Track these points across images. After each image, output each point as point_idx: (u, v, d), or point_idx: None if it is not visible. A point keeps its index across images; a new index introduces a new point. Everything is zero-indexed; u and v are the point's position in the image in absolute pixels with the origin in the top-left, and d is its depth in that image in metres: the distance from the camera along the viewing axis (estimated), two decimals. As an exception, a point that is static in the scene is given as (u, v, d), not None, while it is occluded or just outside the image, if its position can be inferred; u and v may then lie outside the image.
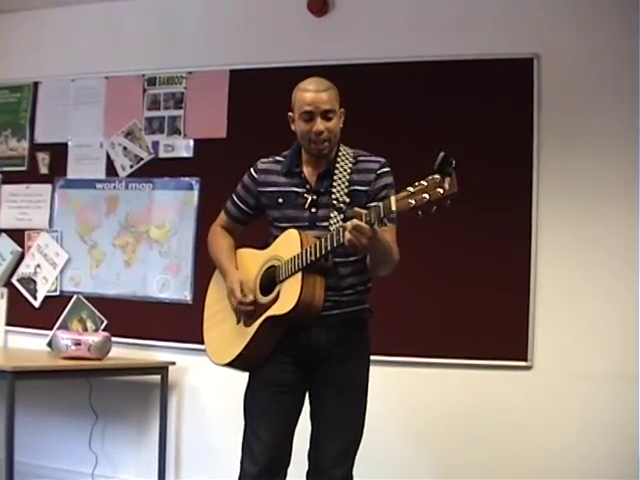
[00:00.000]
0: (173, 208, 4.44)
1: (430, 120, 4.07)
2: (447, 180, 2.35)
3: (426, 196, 2.36)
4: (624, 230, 3.79)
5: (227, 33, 4.45)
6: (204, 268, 3.23)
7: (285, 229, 2.87)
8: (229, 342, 2.94)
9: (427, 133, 4.01)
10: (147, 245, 4.49)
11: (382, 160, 2.89)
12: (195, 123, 4.45)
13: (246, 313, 2.85)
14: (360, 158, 2.89)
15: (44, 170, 4.76)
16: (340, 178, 2.85)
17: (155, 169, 4.51)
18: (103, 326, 4.50)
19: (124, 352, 4.42)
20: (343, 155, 2.89)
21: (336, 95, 2.87)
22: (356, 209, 2.58)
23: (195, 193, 4.39)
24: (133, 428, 4.48)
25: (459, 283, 3.97)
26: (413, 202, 2.39)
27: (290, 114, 2.90)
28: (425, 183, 2.39)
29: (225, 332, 2.97)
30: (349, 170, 2.86)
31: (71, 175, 4.70)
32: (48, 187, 4.74)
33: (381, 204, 2.50)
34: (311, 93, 2.83)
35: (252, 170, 3.02)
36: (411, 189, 2.40)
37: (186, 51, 4.52)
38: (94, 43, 4.74)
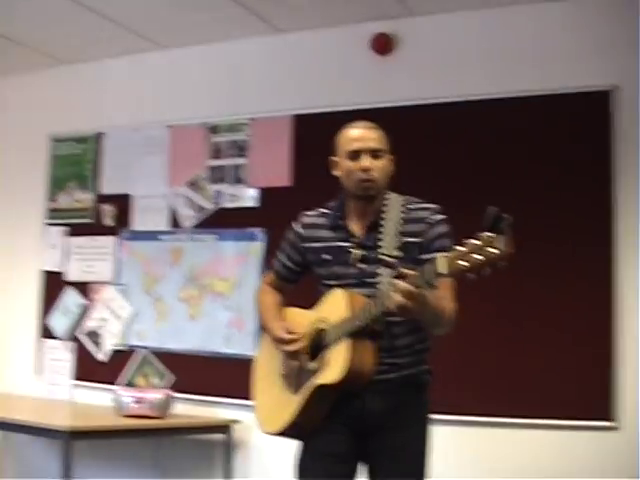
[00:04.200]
0: (237, 260, 4.31)
1: (502, 159, 3.83)
2: (502, 239, 2.12)
3: (480, 257, 2.12)
4: None
5: (289, 77, 4.33)
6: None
7: (332, 287, 2.69)
8: (276, 410, 2.77)
9: (500, 172, 3.80)
10: (211, 298, 4.36)
11: (435, 207, 2.66)
12: (259, 171, 4.32)
13: (293, 355, 2.71)
14: (410, 206, 2.67)
15: (109, 222, 4.70)
16: (389, 230, 2.65)
17: (219, 220, 4.40)
18: (167, 382, 4.39)
19: (188, 409, 4.29)
20: (392, 203, 2.68)
21: (385, 137, 2.69)
22: (404, 270, 2.36)
23: (259, 244, 4.25)
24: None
25: (533, 332, 3.68)
26: (466, 264, 2.14)
27: (333, 158, 2.74)
28: (478, 242, 2.13)
29: (273, 400, 2.81)
30: (399, 220, 2.65)
31: (136, 227, 4.63)
32: (113, 239, 4.68)
33: (429, 265, 2.27)
34: (359, 130, 2.67)
35: (297, 225, 2.86)
36: (463, 248, 2.15)
37: (248, 97, 4.42)
38: (155, 92, 4.70)
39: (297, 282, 2.94)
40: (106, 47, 4.65)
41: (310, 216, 2.84)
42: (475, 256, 2.12)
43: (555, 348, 3.65)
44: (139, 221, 4.63)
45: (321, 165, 4.10)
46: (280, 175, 4.23)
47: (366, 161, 2.63)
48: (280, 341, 2.74)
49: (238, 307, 4.29)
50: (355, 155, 2.65)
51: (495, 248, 2.10)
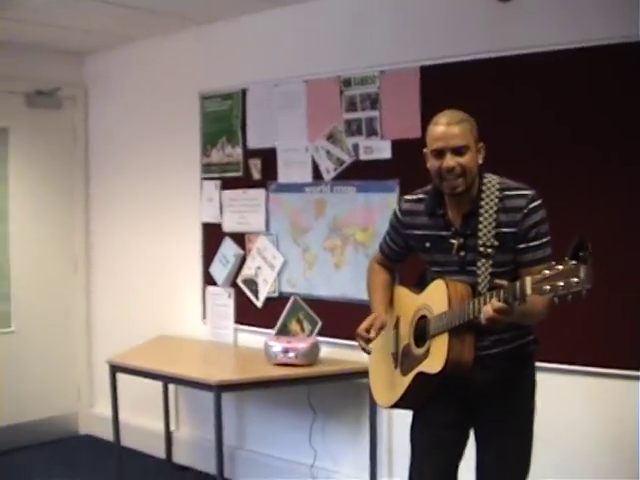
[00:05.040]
0: (376, 211, 4.42)
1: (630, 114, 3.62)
2: (582, 269, 2.20)
3: (561, 283, 2.25)
4: None
5: (414, 29, 4.27)
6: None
7: (435, 272, 2.85)
8: (387, 388, 3.03)
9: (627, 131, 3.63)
10: (353, 248, 4.54)
11: (529, 193, 2.71)
12: (391, 123, 4.37)
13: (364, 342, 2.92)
14: (506, 193, 2.73)
15: (257, 175, 4.94)
16: (486, 219, 2.71)
17: (357, 172, 4.51)
18: (318, 328, 4.66)
19: (335, 352, 4.56)
20: (488, 190, 2.74)
21: (471, 128, 2.73)
22: (498, 282, 2.52)
23: (394, 195, 4.34)
24: (349, 427, 4.61)
25: None
26: (548, 287, 2.28)
27: (424, 151, 2.80)
28: (561, 267, 2.27)
29: (384, 376, 3.06)
30: (495, 208, 2.71)
31: (281, 179, 4.83)
32: (262, 192, 4.92)
33: (518, 285, 2.41)
34: (442, 127, 2.72)
35: (397, 211, 2.98)
36: (547, 272, 2.30)
37: (377, 50, 4.42)
38: (290, 47, 4.79)
39: (404, 261, 3.09)
40: (240, 4, 4.76)
41: (409, 201, 2.94)
42: (558, 283, 2.27)
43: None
44: (284, 174, 4.82)
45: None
46: (411, 127, 4.24)
47: (449, 160, 2.67)
48: (357, 335, 2.94)
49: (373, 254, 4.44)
50: (439, 154, 2.70)
51: (576, 277, 2.23)
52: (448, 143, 2.67)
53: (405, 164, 4.29)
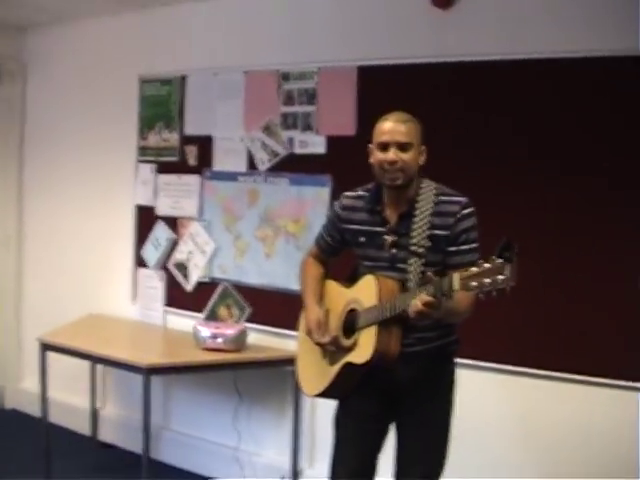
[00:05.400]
0: (308, 204, 4.53)
1: (558, 122, 3.79)
2: (508, 267, 2.36)
3: (487, 280, 2.42)
4: None
5: (354, 28, 4.39)
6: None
7: (367, 267, 3.00)
8: (314, 376, 3.16)
9: (554, 136, 3.80)
10: (284, 239, 4.65)
11: (463, 200, 2.89)
12: (327, 119, 4.48)
13: (326, 349, 3.06)
14: (442, 198, 2.91)
15: (192, 161, 5.01)
16: (421, 219, 2.88)
17: (291, 164, 4.62)
18: (246, 314, 4.77)
19: (262, 339, 4.68)
20: (425, 193, 2.91)
21: (416, 129, 2.91)
22: (429, 274, 2.68)
23: (326, 189, 4.46)
24: (273, 412, 4.75)
25: (572, 291, 3.74)
26: (475, 284, 2.44)
27: (370, 145, 2.95)
28: (488, 266, 2.43)
29: (311, 365, 3.20)
30: (430, 211, 2.88)
31: (217, 167, 4.91)
32: (197, 178, 4.99)
33: (446, 280, 2.56)
34: (390, 123, 2.90)
35: (337, 206, 3.13)
36: (475, 269, 2.46)
37: (316, 46, 4.52)
38: (233, 37, 4.85)
39: (339, 255, 3.24)
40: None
41: (349, 197, 3.09)
42: (485, 280, 2.43)
43: (590, 305, 3.71)
44: (219, 162, 4.91)
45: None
46: (346, 124, 4.37)
47: (393, 154, 2.84)
48: (310, 334, 3.08)
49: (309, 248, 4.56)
50: (384, 147, 2.86)
51: (501, 275, 2.40)
52: (394, 137, 2.84)
53: (338, 160, 4.42)
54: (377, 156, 2.89)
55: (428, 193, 2.91)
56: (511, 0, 3.99)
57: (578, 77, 3.74)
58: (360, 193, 3.06)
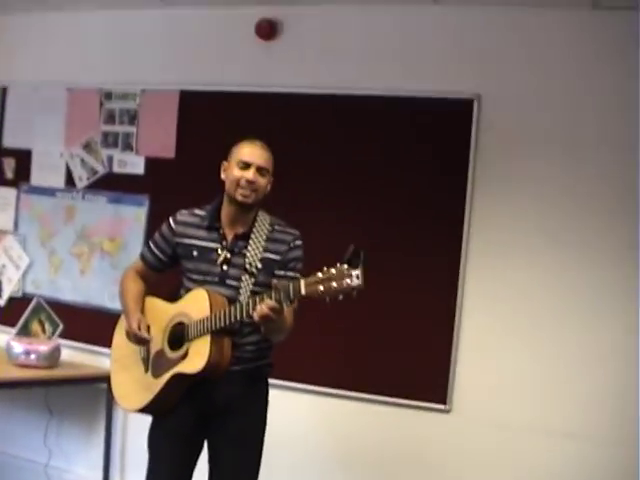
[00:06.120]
0: (125, 223, 4.61)
1: (366, 156, 4.12)
2: (355, 273, 2.55)
3: (334, 284, 2.58)
4: (550, 279, 3.85)
5: (179, 53, 4.53)
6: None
7: (196, 282, 3.09)
8: (137, 390, 3.18)
9: (362, 168, 4.12)
10: (100, 256, 4.69)
11: (296, 233, 3.11)
12: (147, 141, 4.58)
13: (142, 344, 3.11)
14: (277, 227, 3.11)
15: (10, 174, 4.96)
16: (255, 243, 3.05)
17: (109, 183, 4.67)
18: (59, 330, 4.76)
19: (75, 355, 4.68)
20: (261, 221, 3.10)
21: (272, 161, 3.09)
22: (274, 282, 2.82)
23: (144, 209, 4.55)
24: (84, 428, 4.77)
25: (387, 318, 4.07)
26: (322, 288, 2.61)
27: (225, 162, 3.10)
28: (333, 271, 2.60)
29: (133, 379, 3.20)
30: (265, 237, 3.06)
31: (34, 182, 4.89)
32: (13, 191, 4.94)
33: (291, 286, 2.71)
34: (255, 147, 3.07)
35: (171, 220, 3.20)
36: (320, 275, 2.62)
37: (139, 68, 4.61)
38: (58, 52, 4.86)
39: (163, 272, 3.29)
40: (18, 1, 4.74)
41: (184, 214, 3.19)
42: (331, 284, 2.58)
43: (405, 335, 4.04)
44: (37, 176, 4.89)
45: (202, 141, 4.42)
46: (166, 146, 4.49)
47: (253, 175, 3.00)
48: (131, 334, 3.11)
49: (124, 267, 4.60)
50: (245, 166, 3.01)
51: (348, 278, 2.56)
52: (256, 160, 3.01)
53: (156, 181, 4.53)
54: (235, 173, 3.01)
55: (264, 221, 3.09)
56: (332, 37, 4.27)
57: (388, 113, 4.09)
58: (196, 212, 3.16)
